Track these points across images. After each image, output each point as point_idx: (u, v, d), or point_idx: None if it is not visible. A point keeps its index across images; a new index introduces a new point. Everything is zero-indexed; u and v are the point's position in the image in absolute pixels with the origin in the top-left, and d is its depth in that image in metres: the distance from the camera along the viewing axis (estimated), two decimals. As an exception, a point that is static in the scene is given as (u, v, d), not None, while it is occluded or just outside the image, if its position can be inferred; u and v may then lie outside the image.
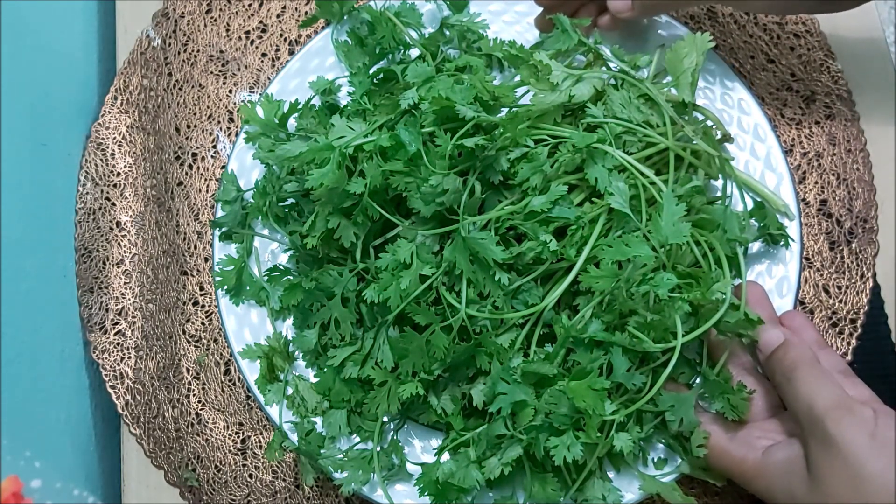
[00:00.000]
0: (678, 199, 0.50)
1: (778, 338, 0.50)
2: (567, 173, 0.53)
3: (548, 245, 0.50)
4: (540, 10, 0.63)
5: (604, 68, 0.58)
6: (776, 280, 0.59)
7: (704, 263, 0.51)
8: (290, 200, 0.59)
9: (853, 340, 0.61)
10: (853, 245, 0.62)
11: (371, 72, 0.60)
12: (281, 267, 0.59)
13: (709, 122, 0.57)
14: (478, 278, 0.50)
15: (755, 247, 0.59)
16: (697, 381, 0.53)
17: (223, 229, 0.61)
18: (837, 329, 0.61)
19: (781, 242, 0.58)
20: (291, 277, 0.59)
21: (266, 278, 0.59)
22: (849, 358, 0.60)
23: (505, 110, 0.56)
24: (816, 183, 0.64)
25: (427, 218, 0.51)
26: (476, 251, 0.50)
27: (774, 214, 0.58)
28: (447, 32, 0.62)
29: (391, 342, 0.53)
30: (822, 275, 0.62)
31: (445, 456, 0.53)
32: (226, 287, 0.60)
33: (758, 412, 0.52)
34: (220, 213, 0.62)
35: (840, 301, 0.61)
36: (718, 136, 0.58)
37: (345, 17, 0.65)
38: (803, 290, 0.62)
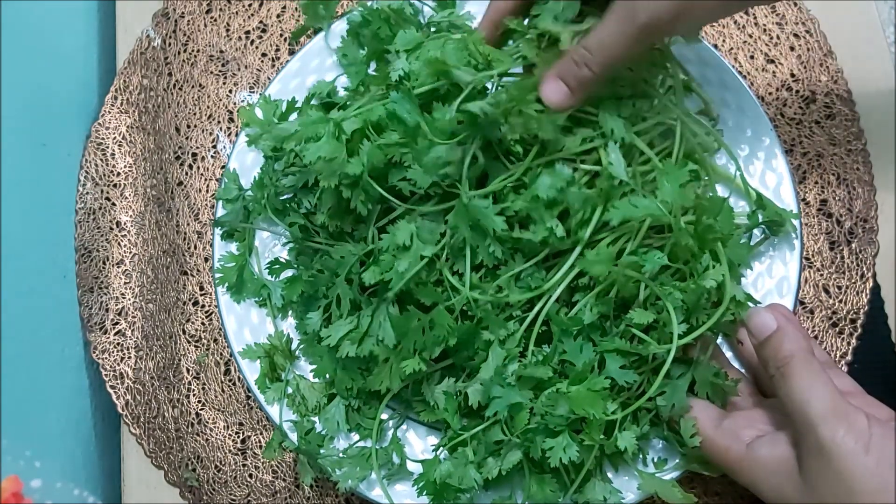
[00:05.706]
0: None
1: (772, 323, 0.48)
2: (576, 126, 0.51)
3: (554, 231, 0.49)
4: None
5: None
6: (776, 280, 0.58)
7: (698, 248, 0.50)
8: (288, 195, 0.59)
9: (853, 340, 0.61)
10: (853, 245, 0.62)
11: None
12: (282, 260, 0.59)
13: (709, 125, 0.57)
14: (479, 245, 0.49)
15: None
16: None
17: (224, 228, 0.61)
18: (837, 329, 0.61)
19: (782, 229, 0.57)
20: (292, 271, 0.58)
21: (267, 272, 0.59)
22: (849, 358, 0.60)
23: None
24: (816, 183, 0.64)
25: (428, 195, 0.50)
26: (477, 220, 0.49)
27: (774, 212, 0.58)
28: (433, 30, 0.62)
29: (392, 321, 0.51)
30: (822, 275, 0.62)
31: (444, 454, 0.53)
32: (227, 284, 0.60)
33: (742, 401, 0.51)
34: (221, 212, 0.62)
35: (840, 301, 0.61)
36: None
37: (334, 21, 0.64)
38: (803, 290, 0.62)
